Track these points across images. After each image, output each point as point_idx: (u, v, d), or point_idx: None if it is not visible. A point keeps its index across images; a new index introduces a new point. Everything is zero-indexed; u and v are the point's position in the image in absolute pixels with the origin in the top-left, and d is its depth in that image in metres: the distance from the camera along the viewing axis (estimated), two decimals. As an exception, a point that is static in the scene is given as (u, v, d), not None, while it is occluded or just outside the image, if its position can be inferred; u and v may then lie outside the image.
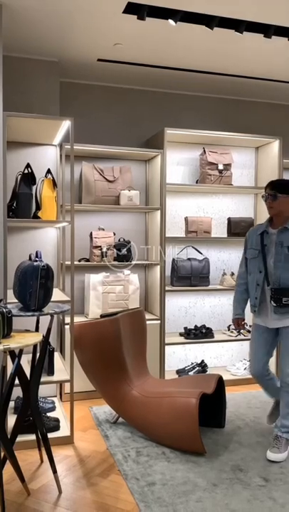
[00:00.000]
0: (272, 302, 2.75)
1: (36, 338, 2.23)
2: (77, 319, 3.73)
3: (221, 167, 4.10)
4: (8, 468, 2.59)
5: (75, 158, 3.92)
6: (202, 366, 4.17)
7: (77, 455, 2.86)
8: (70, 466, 2.73)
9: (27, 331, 2.41)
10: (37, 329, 2.63)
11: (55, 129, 3.18)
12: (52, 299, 2.96)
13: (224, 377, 4.09)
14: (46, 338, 2.43)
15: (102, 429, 3.21)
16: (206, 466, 2.71)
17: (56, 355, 3.56)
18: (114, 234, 3.89)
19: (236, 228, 4.22)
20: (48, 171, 3.25)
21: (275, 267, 2.77)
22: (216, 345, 4.40)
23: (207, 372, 4.15)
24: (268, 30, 3.05)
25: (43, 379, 2.94)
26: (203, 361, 4.22)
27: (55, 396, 3.69)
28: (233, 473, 2.64)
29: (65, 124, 3.06)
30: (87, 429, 3.24)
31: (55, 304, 2.70)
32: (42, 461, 2.77)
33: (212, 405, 3.25)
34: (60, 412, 3.38)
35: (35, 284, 2.35)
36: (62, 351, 3.66)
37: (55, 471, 2.46)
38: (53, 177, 3.27)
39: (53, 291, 2.46)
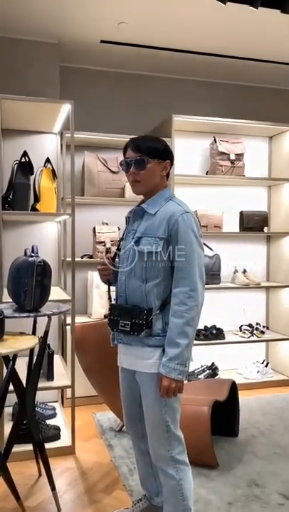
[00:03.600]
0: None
1: (31, 342, 2.00)
2: (80, 319, 3.50)
3: (232, 157, 3.85)
4: (3, 482, 2.37)
5: (76, 147, 3.68)
6: (213, 369, 3.93)
7: (78, 467, 2.64)
8: (71, 480, 2.50)
9: (22, 333, 2.18)
10: (34, 331, 2.40)
11: (54, 114, 2.94)
12: (51, 299, 2.73)
13: (236, 381, 3.86)
14: (43, 341, 2.20)
15: (105, 438, 2.98)
16: (219, 480, 2.47)
17: (57, 358, 3.33)
18: (119, 229, 3.65)
19: (249, 222, 3.97)
20: (47, 161, 3.02)
21: None
22: (227, 347, 4.16)
23: (218, 376, 3.91)
24: (284, 3, 2.79)
25: (41, 385, 2.71)
26: (213, 364, 3.98)
27: (56, 401, 3.47)
28: (249, 489, 2.40)
29: (65, 109, 2.82)
30: (89, 438, 3.01)
31: (54, 303, 2.47)
32: (40, 474, 2.55)
33: (224, 412, 3.01)
34: (61, 419, 3.16)
35: (30, 282, 2.13)
36: (63, 354, 3.43)
37: (53, 488, 2.24)
38: (52, 167, 3.03)
39: (50, 290, 2.23)
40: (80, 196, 3.58)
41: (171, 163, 1.84)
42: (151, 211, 1.77)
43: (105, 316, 1.84)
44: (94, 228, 3.62)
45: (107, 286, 1.93)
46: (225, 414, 3.01)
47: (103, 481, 2.49)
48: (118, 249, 1.86)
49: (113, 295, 1.86)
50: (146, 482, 2.04)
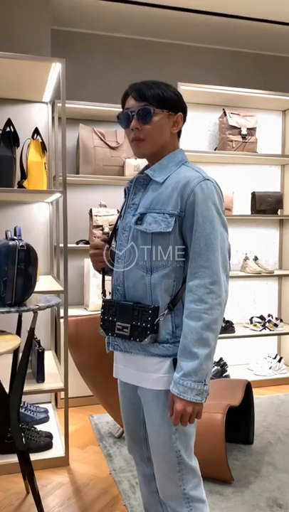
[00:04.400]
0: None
1: (10, 343, 1.64)
2: (75, 312, 3.15)
3: (244, 131, 3.47)
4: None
5: (70, 120, 3.30)
6: (221, 365, 3.59)
7: (72, 483, 2.30)
8: (64, 499, 2.16)
9: (1, 332, 1.82)
10: (19, 329, 2.05)
11: (42, 78, 2.55)
12: (41, 289, 2.38)
13: (246, 378, 3.52)
14: (28, 341, 1.84)
15: (104, 445, 2.64)
16: (235, 499, 2.13)
17: (50, 355, 2.98)
18: (118, 211, 3.27)
19: (262, 204, 3.59)
20: (36, 132, 2.63)
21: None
22: (236, 341, 3.81)
23: (226, 372, 3.57)
24: None
25: (29, 388, 2.37)
26: (222, 359, 3.64)
27: (50, 402, 3.12)
28: (270, 509, 2.07)
29: (55, 70, 2.43)
30: (86, 446, 2.67)
31: (43, 295, 2.11)
32: (28, 491, 2.21)
33: (235, 415, 2.67)
34: (54, 423, 2.81)
35: (11, 271, 1.76)
36: (57, 351, 3.08)
37: (41, 511, 1.90)
38: (42, 139, 2.65)
39: (36, 280, 1.87)
40: (75, 174, 3.20)
41: (184, 118, 1.44)
42: (158, 179, 1.38)
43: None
44: (90, 211, 3.25)
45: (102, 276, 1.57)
46: (237, 418, 2.67)
47: (101, 500, 2.15)
48: (115, 230, 1.49)
49: (109, 287, 1.49)
50: (151, 510, 1.69)
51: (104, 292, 1.53)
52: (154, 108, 1.35)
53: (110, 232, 1.51)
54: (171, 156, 1.42)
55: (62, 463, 2.44)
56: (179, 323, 1.34)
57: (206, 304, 1.26)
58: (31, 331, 1.85)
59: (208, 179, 1.34)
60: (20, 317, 2.04)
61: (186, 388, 1.25)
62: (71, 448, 2.60)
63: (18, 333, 2.04)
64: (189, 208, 1.30)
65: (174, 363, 1.32)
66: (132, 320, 1.34)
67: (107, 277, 1.54)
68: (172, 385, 1.29)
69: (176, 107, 1.40)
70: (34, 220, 3.04)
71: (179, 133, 1.46)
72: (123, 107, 1.42)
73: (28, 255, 1.78)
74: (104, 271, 1.54)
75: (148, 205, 1.37)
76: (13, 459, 2.36)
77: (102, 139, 3.23)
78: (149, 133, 1.37)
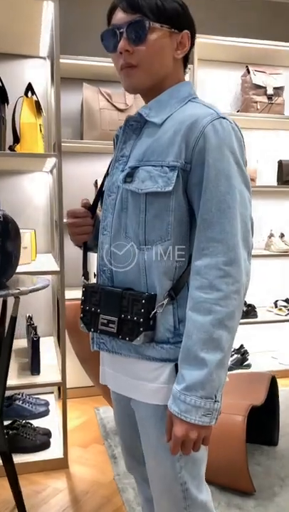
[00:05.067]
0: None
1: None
2: (76, 295, 2.83)
3: (270, 91, 3.06)
4: None
5: (73, 80, 2.94)
6: (242, 353, 3.26)
7: (71, 489, 2.01)
8: (58, 510, 1.88)
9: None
10: (3, 316, 1.74)
11: (35, 24, 2.19)
12: (36, 270, 2.08)
13: (269, 368, 3.19)
14: (9, 332, 1.54)
15: (108, 444, 2.36)
16: (257, 515, 1.82)
17: (50, 343, 2.69)
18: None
19: (289, 174, 3.20)
20: (29, 88, 2.29)
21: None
22: (259, 327, 3.46)
23: (247, 361, 3.24)
24: None
25: (23, 381, 2.09)
26: (242, 346, 3.30)
27: (52, 393, 2.85)
28: (299, 528, 1.75)
29: (48, 11, 2.07)
30: (89, 444, 2.38)
31: (31, 277, 1.80)
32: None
33: (258, 412, 2.35)
34: (55, 417, 2.53)
35: (-16, 247, 1.44)
36: (59, 338, 2.78)
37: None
38: (37, 97, 2.31)
39: (18, 258, 1.55)
40: (79, 140, 2.85)
41: (192, 38, 1.07)
42: (155, 119, 1.02)
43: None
44: (96, 182, 2.91)
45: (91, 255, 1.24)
46: (259, 415, 2.35)
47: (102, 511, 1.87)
48: (101, 192, 1.16)
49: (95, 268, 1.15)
50: None
51: (86, 275, 1.19)
52: (151, 22, 0.99)
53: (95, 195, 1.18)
54: (174, 90, 1.06)
55: (60, 465, 2.16)
56: (183, 316, 1.00)
57: (219, 292, 0.92)
58: (12, 321, 1.53)
59: (224, 117, 0.98)
60: (3, 303, 1.73)
61: (189, 406, 0.91)
62: (72, 447, 2.32)
63: (2, 320, 1.74)
64: (198, 157, 0.95)
65: (177, 370, 0.99)
66: (120, 312, 1.01)
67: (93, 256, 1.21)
68: (171, 400, 0.95)
69: (181, 21, 1.03)
70: (32, 193, 2.72)
71: (185, 59, 1.09)
72: (109, 23, 1.07)
73: (5, 228, 1.46)
74: (86, 246, 1.21)
75: (141, 156, 1.01)
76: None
77: (108, 101, 2.86)
78: (143, 57, 1.01)
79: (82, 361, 2.31)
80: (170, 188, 0.95)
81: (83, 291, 1.09)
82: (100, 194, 1.15)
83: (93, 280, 1.15)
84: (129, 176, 1.01)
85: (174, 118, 1.00)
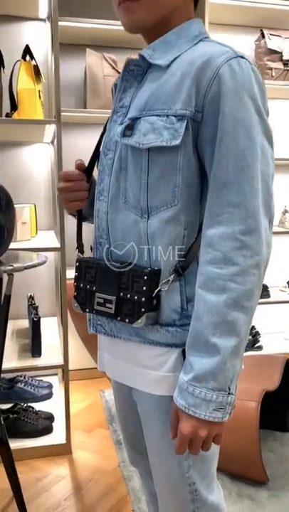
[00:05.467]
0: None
1: None
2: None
3: (286, 57, 2.86)
4: None
5: (76, 46, 2.76)
6: (253, 334, 3.13)
7: (73, 477, 1.92)
8: (60, 498, 1.78)
9: None
10: (-2, 294, 1.62)
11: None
12: (36, 246, 1.95)
13: (281, 350, 3.07)
14: (3, 310, 1.41)
15: (113, 429, 2.25)
16: (271, 506, 1.71)
17: (54, 323, 2.58)
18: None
19: (305, 146, 3.01)
20: (27, 51, 2.12)
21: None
22: (271, 307, 3.32)
23: (259, 343, 3.12)
24: None
25: (23, 363, 1.98)
26: (253, 327, 3.18)
27: (56, 374, 2.75)
28: (316, 521, 1.64)
29: None
30: (93, 429, 2.28)
31: (31, 254, 1.67)
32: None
33: (272, 396, 2.23)
34: (58, 401, 2.43)
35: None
36: (63, 318, 2.67)
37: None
38: (36, 61, 2.15)
39: (12, 233, 1.42)
40: (81, 109, 2.69)
41: None
42: (160, 61, 0.86)
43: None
44: (100, 154, 2.75)
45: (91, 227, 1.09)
46: (272, 400, 2.23)
47: (105, 501, 1.77)
48: (97, 152, 1.01)
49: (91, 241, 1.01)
50: None
51: (81, 248, 1.06)
52: None
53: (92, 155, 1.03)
54: (183, 28, 0.90)
55: (63, 451, 2.06)
56: (191, 295, 0.86)
57: (235, 266, 0.77)
58: (6, 300, 1.41)
59: (242, 56, 0.82)
60: (0, 280, 1.60)
61: (198, 400, 0.78)
62: (76, 431, 2.22)
63: (-3, 299, 1.61)
64: (210, 104, 0.80)
65: (184, 356, 0.86)
66: (118, 290, 0.87)
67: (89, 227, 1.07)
68: (177, 392, 0.82)
69: None
70: (33, 166, 2.57)
71: None
72: None
73: (-5, 198, 1.33)
74: (81, 215, 1.07)
75: (143, 105, 0.86)
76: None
77: (113, 67, 2.69)
78: None
79: (85, 342, 2.19)
80: (177, 142, 0.80)
81: (77, 267, 0.96)
82: (96, 154, 1.01)
83: (90, 254, 1.01)
84: (129, 129, 0.86)
85: (183, 59, 0.84)
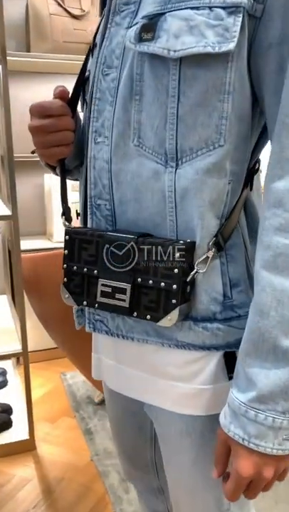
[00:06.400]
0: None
1: None
2: (34, 244, 2.39)
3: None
4: None
5: (15, -23, 2.35)
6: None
7: (41, 478, 1.67)
8: (28, 507, 1.54)
9: None
10: None
11: None
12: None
13: None
14: None
15: (81, 416, 2.02)
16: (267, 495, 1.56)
17: (4, 302, 2.28)
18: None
19: None
20: None
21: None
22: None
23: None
24: None
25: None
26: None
27: (9, 358, 2.45)
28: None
29: None
30: (57, 418, 2.04)
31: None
32: (-22, 497, 1.59)
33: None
34: (15, 389, 2.16)
35: None
36: (14, 297, 2.37)
37: None
38: None
39: None
40: (25, 53, 2.31)
41: None
42: None
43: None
44: (49, 108, 2.40)
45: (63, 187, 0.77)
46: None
47: (82, 505, 1.54)
48: (83, 78, 0.71)
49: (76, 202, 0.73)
50: None
51: (67, 213, 0.76)
52: None
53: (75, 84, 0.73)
54: None
55: (26, 448, 1.81)
56: (237, 277, 0.62)
57: None
58: None
59: None
60: None
61: (263, 428, 0.54)
62: (38, 423, 1.97)
63: None
64: None
65: (228, 361, 0.62)
66: (133, 274, 0.61)
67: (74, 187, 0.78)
68: (228, 417, 0.57)
69: None
70: None
71: None
72: None
73: None
74: (63, 166, 0.76)
75: None
76: None
77: (60, 5, 2.32)
78: None
79: (43, 320, 1.92)
80: (230, 47, 0.52)
81: (66, 241, 0.67)
82: (81, 82, 0.72)
83: (76, 223, 0.72)
84: (148, 31, 0.56)
85: None
